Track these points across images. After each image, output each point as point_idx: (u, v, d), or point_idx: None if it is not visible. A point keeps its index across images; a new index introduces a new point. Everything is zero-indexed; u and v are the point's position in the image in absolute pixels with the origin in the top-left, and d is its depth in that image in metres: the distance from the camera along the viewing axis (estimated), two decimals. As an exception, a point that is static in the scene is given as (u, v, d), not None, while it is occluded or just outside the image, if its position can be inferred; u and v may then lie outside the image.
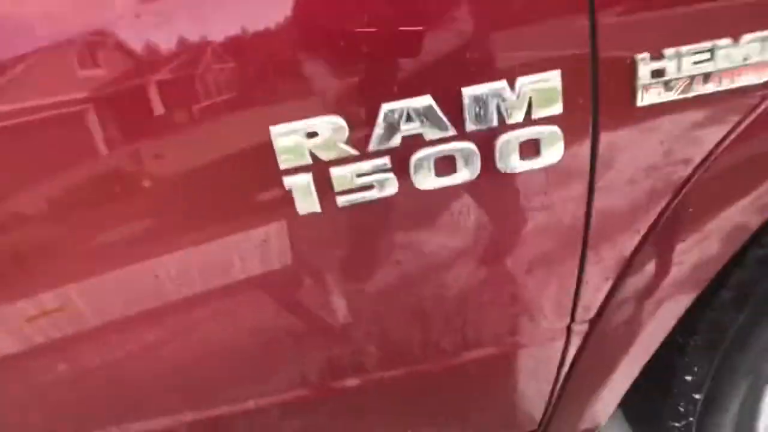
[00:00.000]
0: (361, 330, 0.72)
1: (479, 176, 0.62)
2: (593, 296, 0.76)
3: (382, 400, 0.83)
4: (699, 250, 0.74)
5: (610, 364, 0.85)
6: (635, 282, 0.75)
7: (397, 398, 0.83)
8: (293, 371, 0.75)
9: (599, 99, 0.61)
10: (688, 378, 0.90)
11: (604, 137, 0.63)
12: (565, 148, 0.62)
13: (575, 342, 0.80)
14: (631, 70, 0.60)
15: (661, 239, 0.72)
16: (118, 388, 0.74)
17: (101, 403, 0.76)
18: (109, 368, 0.73)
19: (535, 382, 0.85)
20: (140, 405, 0.77)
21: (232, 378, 0.75)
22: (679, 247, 0.73)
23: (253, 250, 0.63)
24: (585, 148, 0.63)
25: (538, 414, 0.91)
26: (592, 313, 0.78)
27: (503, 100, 0.58)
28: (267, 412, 0.79)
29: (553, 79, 0.59)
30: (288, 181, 0.59)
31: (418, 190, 0.61)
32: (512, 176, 0.63)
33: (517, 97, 0.59)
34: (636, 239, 0.72)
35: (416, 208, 0.63)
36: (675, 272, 0.75)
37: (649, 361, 0.94)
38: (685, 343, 0.89)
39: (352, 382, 0.78)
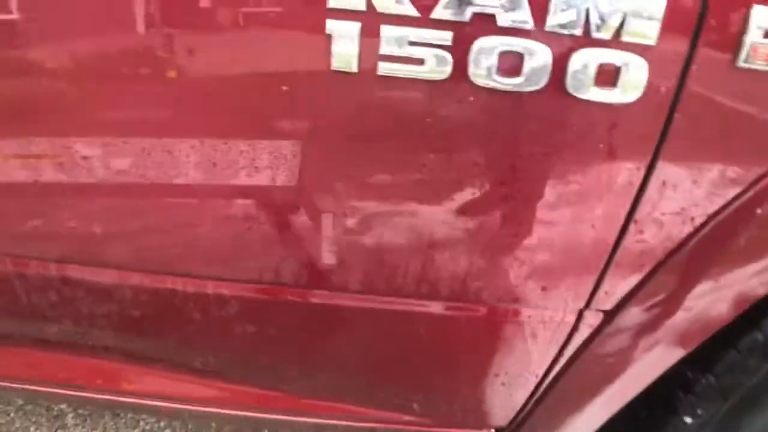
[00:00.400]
0: (351, 236, 0.64)
1: (542, 89, 0.54)
2: (618, 283, 0.67)
3: (349, 332, 0.74)
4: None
5: (609, 375, 0.75)
6: (661, 285, 0.67)
7: (362, 335, 0.74)
8: (265, 263, 0.67)
9: (697, 45, 0.53)
10: (688, 420, 0.80)
11: (689, 95, 0.55)
12: (645, 90, 0.54)
13: (582, 332, 0.71)
14: (742, 22, 0.52)
15: (705, 244, 0.64)
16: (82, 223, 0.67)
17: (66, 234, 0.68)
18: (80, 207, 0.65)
19: (523, 367, 0.75)
20: (97, 251, 0.69)
21: (195, 250, 0.67)
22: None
23: (271, 98, 0.56)
24: (665, 99, 0.55)
25: (512, 410, 0.82)
26: (609, 304, 0.68)
27: (595, 6, 0.51)
28: (223, 304, 0.71)
29: (656, 3, 0.51)
30: (332, 24, 0.52)
31: (472, 82, 0.53)
32: (577, 102, 0.54)
33: (612, 8, 0.51)
34: (685, 231, 0.63)
35: (461, 104, 0.55)
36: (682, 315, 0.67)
37: (648, 394, 0.85)
38: (696, 380, 0.79)
39: (321, 297, 0.69)
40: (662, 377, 0.83)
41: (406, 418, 0.85)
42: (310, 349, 0.77)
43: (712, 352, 0.78)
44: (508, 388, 0.78)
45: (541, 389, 0.78)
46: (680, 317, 0.68)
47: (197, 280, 0.70)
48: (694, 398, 0.79)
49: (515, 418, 0.83)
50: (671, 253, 0.64)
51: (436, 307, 0.69)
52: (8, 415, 1.40)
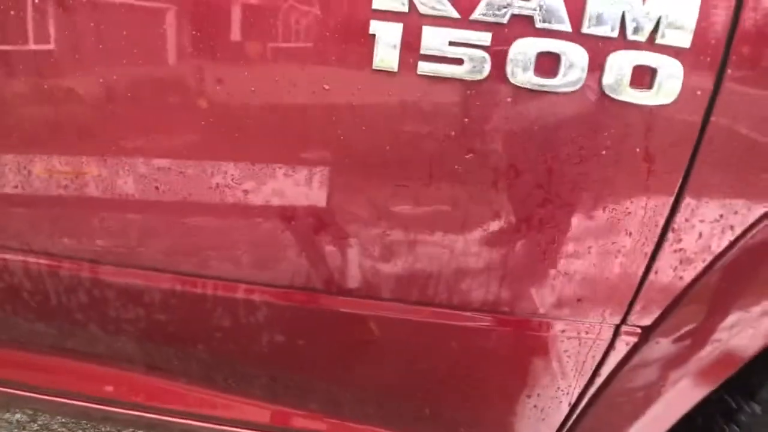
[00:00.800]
0: (384, 242, 0.64)
1: (579, 89, 0.55)
2: (656, 296, 0.65)
3: (375, 346, 0.72)
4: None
5: (647, 398, 0.72)
6: (702, 298, 0.65)
7: (389, 348, 0.73)
8: (297, 268, 0.67)
9: (732, 47, 0.54)
10: (731, 453, 0.76)
11: (727, 97, 0.55)
12: (681, 92, 0.55)
13: (619, 350, 0.69)
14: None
15: (747, 253, 0.62)
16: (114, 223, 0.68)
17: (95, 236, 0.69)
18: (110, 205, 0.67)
19: (556, 388, 0.72)
20: (129, 252, 0.70)
21: (228, 251, 0.67)
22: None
23: (310, 94, 0.57)
24: (702, 101, 0.56)
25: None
26: (647, 319, 0.67)
27: (631, 7, 0.52)
28: (253, 309, 0.70)
29: (691, 5, 0.53)
30: (375, 25, 0.54)
31: (510, 82, 0.55)
32: (614, 103, 0.55)
33: (647, 11, 0.52)
34: (725, 240, 0.62)
35: (498, 105, 0.56)
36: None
37: (689, 424, 0.81)
38: (739, 408, 0.75)
39: (350, 305, 0.68)
40: (701, 404, 0.79)
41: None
42: (339, 362, 0.76)
43: (755, 376, 0.75)
44: (541, 412, 0.75)
45: (576, 413, 0.75)
46: (725, 333, 0.66)
47: (227, 283, 0.70)
48: (738, 429, 0.75)
49: (548, 444, 0.79)
50: (711, 264, 0.62)
51: (466, 319, 0.68)
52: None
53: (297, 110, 0.58)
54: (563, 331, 0.68)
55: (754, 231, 0.60)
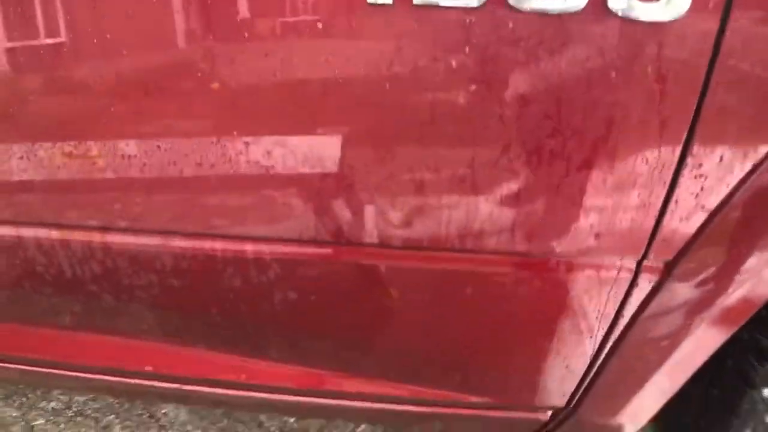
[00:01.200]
0: (391, 181, 0.62)
1: (584, 8, 0.52)
2: (678, 228, 0.62)
3: (388, 297, 0.71)
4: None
5: (674, 340, 0.70)
6: (726, 228, 0.62)
7: (403, 299, 0.71)
8: (305, 219, 0.66)
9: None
10: (767, 393, 0.73)
11: (739, 10, 0.52)
12: (692, 2, 0.52)
13: (642, 287, 0.66)
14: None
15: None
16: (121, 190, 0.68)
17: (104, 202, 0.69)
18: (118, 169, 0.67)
19: (578, 332, 0.70)
20: (136, 216, 0.70)
21: (234, 207, 0.66)
22: None
23: (306, 39, 0.56)
24: (715, 12, 0.53)
25: (570, 385, 0.76)
26: (669, 253, 0.64)
27: None
28: (263, 266, 0.69)
29: None
30: (366, -44, 0.52)
31: (510, 6, 0.52)
32: (621, 22, 0.53)
33: None
34: (747, 164, 0.58)
35: (500, 31, 0.54)
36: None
37: (719, 366, 0.78)
38: (772, 347, 0.73)
39: (360, 255, 0.67)
40: (734, 347, 0.77)
41: (456, 400, 0.81)
42: (357, 318, 0.75)
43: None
44: (563, 358, 0.73)
45: (600, 358, 0.73)
46: (752, 262, 0.63)
47: (236, 241, 0.69)
48: (773, 367, 0.73)
49: (573, 394, 0.77)
50: (735, 190, 0.59)
51: (480, 262, 0.66)
52: (58, 426, 1.41)
53: (292, 52, 0.57)
54: (582, 270, 0.66)
55: (778, 151, 0.57)
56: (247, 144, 0.62)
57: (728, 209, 0.60)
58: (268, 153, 0.63)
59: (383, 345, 0.79)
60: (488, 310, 0.72)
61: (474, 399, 0.80)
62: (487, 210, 0.62)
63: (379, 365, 0.81)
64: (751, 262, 0.64)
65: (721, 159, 0.58)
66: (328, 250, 0.69)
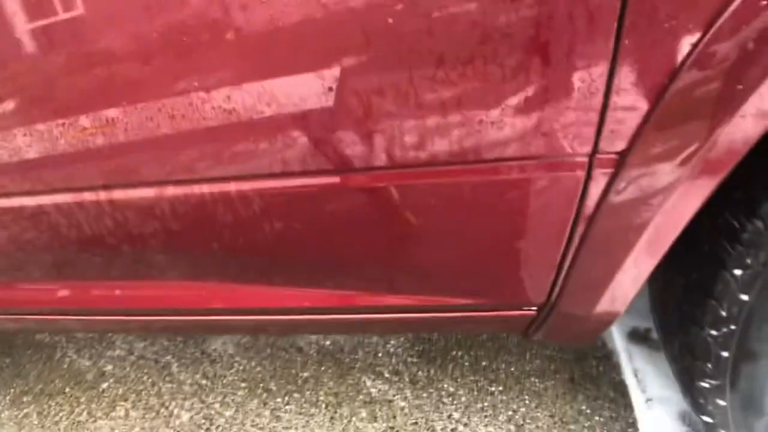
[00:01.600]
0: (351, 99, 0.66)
1: None
2: (625, 117, 0.63)
3: (353, 216, 0.76)
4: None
5: (637, 226, 0.72)
6: (675, 110, 0.62)
7: (370, 217, 0.77)
8: (278, 154, 0.71)
9: None
10: (738, 273, 0.75)
11: None
12: None
13: (598, 181, 0.68)
14: None
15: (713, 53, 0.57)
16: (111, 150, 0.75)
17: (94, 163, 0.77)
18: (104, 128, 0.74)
19: (543, 231, 0.74)
20: (130, 172, 0.77)
21: (213, 151, 0.73)
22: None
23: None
24: None
25: (546, 281, 0.81)
26: (620, 145, 0.65)
27: None
28: (248, 201, 0.76)
29: None
30: None
31: None
32: None
33: None
34: (693, 38, 0.56)
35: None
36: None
37: (692, 253, 0.80)
38: (742, 227, 0.74)
39: (330, 177, 0.72)
40: (706, 233, 0.79)
41: (447, 304, 0.87)
42: (337, 238, 0.81)
43: (755, 192, 0.72)
44: (534, 257, 0.78)
45: (570, 253, 0.76)
46: (704, 146, 0.63)
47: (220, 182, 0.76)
48: (742, 248, 0.74)
49: (552, 289, 0.82)
50: (680, 67, 0.58)
51: (436, 175, 0.70)
52: (124, 369, 1.59)
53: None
54: (535, 170, 0.68)
55: (720, 21, 0.56)
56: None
57: (675, 89, 0.60)
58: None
59: (392, 261, 0.85)
60: (465, 221, 0.76)
61: (468, 301, 0.86)
62: (434, 121, 0.66)
63: (387, 279, 0.87)
64: (704, 142, 0.64)
65: (664, 35, 0.57)
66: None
